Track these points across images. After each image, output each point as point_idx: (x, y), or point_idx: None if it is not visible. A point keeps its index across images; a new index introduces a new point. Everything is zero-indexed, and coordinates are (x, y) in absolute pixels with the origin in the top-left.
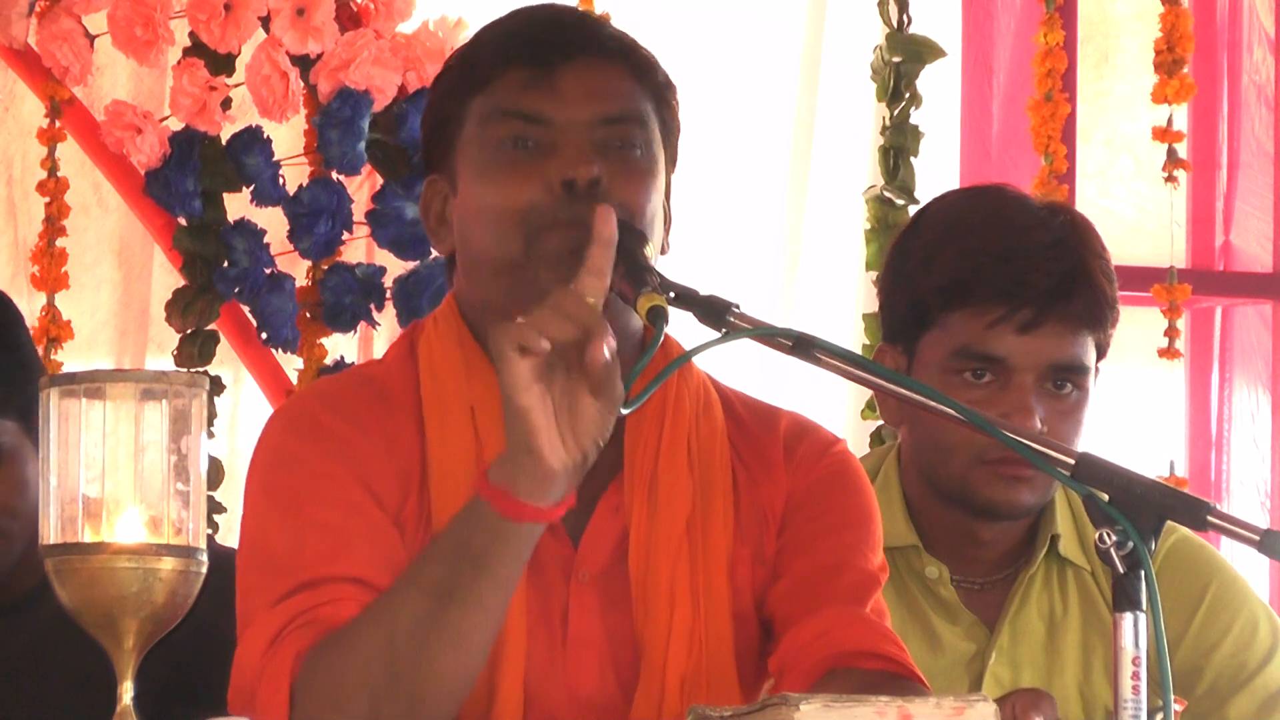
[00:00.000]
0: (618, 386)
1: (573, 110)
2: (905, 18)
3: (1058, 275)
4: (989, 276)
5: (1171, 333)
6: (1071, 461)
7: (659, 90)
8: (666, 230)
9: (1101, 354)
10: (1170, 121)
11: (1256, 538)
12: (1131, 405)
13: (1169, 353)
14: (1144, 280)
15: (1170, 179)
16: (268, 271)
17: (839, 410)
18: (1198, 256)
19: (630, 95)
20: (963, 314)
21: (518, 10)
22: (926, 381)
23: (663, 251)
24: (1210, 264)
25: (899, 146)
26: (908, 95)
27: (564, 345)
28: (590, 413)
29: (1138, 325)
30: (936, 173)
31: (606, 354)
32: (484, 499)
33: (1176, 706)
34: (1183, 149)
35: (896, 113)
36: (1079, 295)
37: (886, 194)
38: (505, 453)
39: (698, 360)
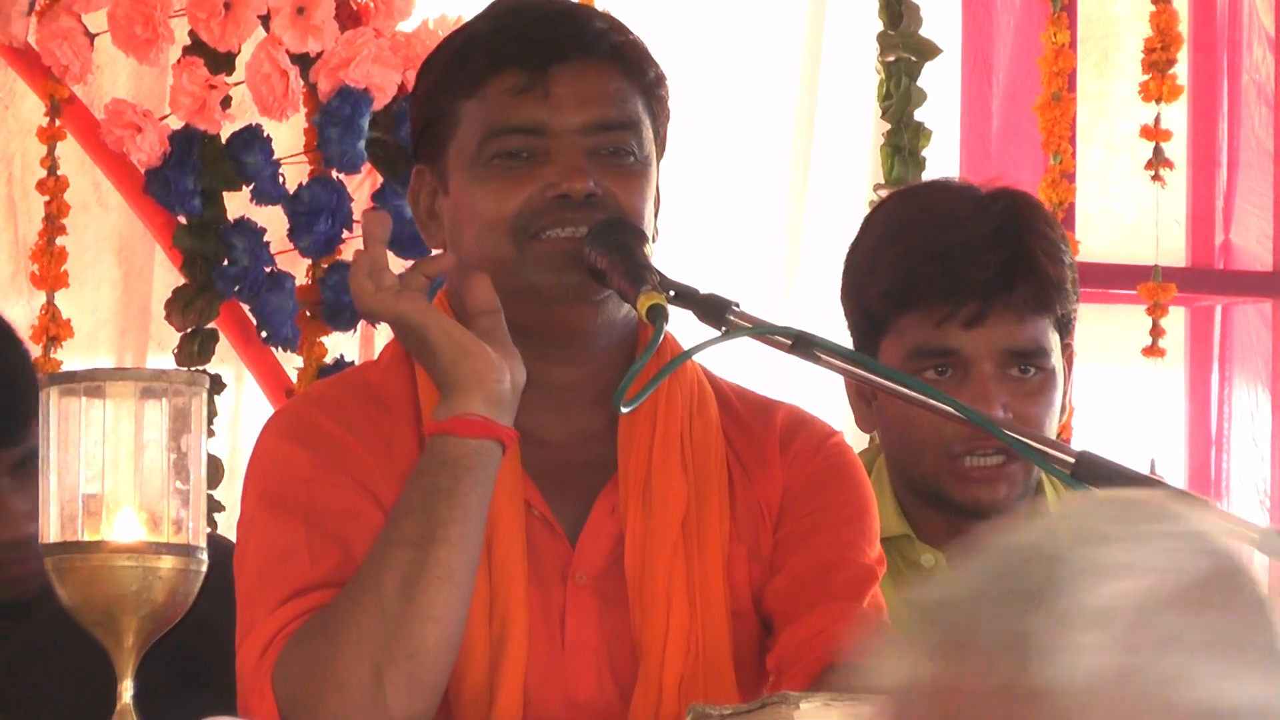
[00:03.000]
0: (497, 327)
1: (565, 117)
2: (901, 9)
3: (996, 265)
4: (927, 277)
5: (1156, 331)
6: (1071, 460)
7: (650, 86)
8: (655, 214)
9: (1065, 331)
10: (1158, 120)
11: (1256, 537)
12: (1124, 404)
13: (1153, 351)
14: (1137, 279)
15: (1156, 177)
16: (268, 270)
17: (838, 408)
18: (1197, 255)
19: (622, 98)
20: (910, 317)
21: (505, 2)
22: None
23: (653, 239)
24: (1210, 262)
25: (897, 145)
26: (896, 95)
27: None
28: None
29: (1131, 324)
30: (937, 172)
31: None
32: (440, 433)
33: None
34: (1175, 147)
35: (889, 111)
36: (1021, 282)
37: (880, 195)
38: (440, 393)
39: (695, 356)
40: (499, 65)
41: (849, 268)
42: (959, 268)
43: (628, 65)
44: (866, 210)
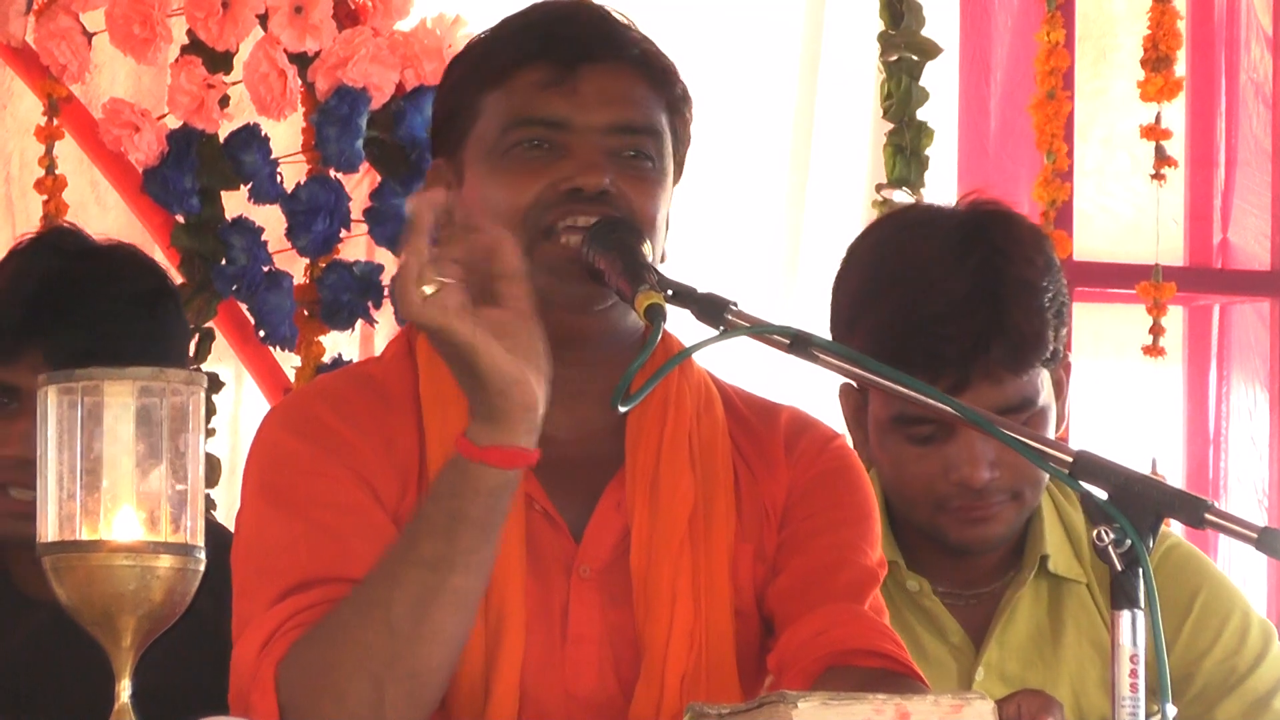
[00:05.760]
0: (521, 297)
1: (589, 115)
2: (902, 8)
3: (972, 335)
4: (904, 353)
5: (1156, 330)
6: (1069, 459)
7: (675, 102)
8: (665, 235)
9: (1055, 360)
10: (1159, 119)
11: (1254, 535)
12: (1121, 402)
13: (1154, 350)
14: (1135, 278)
15: (1158, 176)
16: (265, 269)
17: (835, 409)
18: (1195, 254)
19: (647, 105)
20: None
21: (538, 4)
22: (877, 436)
23: (661, 260)
24: (1208, 261)
25: (899, 145)
26: (897, 94)
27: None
28: (519, 330)
29: (1128, 322)
30: (935, 171)
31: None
32: (475, 460)
33: (1173, 709)
34: (1173, 146)
35: (890, 111)
36: (998, 346)
37: (882, 195)
38: (475, 413)
39: (696, 357)
40: (527, 59)
41: (834, 308)
42: (934, 343)
43: (655, 76)
44: (866, 210)
